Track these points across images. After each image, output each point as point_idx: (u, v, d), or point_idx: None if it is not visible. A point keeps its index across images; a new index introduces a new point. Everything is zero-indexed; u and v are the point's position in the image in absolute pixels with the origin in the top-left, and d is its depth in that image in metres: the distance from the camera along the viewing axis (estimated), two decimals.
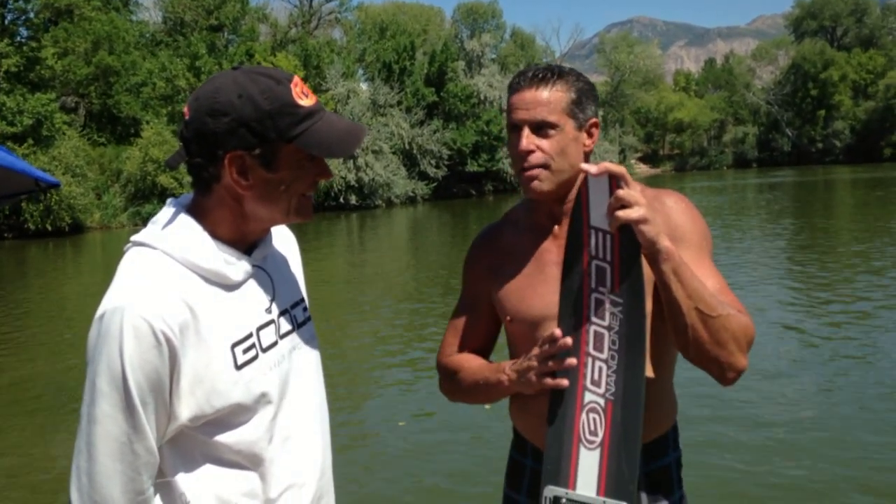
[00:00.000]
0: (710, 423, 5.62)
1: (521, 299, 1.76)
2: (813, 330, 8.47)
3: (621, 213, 1.49)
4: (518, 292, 1.77)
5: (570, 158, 1.67)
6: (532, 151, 1.64)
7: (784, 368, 6.97)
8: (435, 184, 45.03)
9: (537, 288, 1.74)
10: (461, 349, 1.90)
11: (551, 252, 1.75)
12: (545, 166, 1.65)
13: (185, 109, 1.37)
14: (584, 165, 1.54)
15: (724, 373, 1.59)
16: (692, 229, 1.69)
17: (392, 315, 11.24)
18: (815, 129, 73.85)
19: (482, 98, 48.79)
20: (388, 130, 43.11)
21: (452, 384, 1.88)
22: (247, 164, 1.35)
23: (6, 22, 33.82)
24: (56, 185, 4.01)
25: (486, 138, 46.29)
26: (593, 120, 1.71)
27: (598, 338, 1.59)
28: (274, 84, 1.35)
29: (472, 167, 46.54)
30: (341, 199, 39.30)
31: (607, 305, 1.58)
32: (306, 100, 1.37)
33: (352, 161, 38.74)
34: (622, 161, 62.93)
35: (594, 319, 1.59)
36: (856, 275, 11.89)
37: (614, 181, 1.51)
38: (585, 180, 1.57)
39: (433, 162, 45.06)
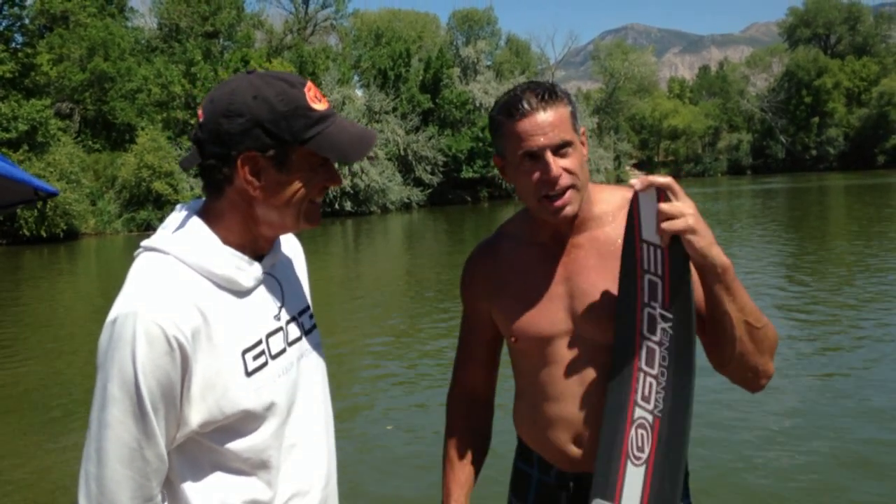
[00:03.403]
0: (713, 430, 5.62)
1: (527, 318, 1.71)
2: (807, 338, 8.49)
3: (666, 225, 1.47)
4: (522, 311, 1.72)
5: (586, 172, 1.65)
6: (560, 175, 1.59)
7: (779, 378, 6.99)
8: (430, 190, 45.09)
9: (545, 306, 1.70)
10: (469, 381, 1.89)
11: (557, 268, 1.71)
12: (573, 186, 1.61)
13: (200, 112, 1.37)
14: (632, 181, 1.53)
15: (758, 381, 1.61)
16: None
17: (385, 321, 11.22)
18: (808, 136, 74.21)
19: (477, 104, 48.89)
20: (384, 137, 43.16)
21: (443, 443, 1.89)
22: (260, 165, 1.35)
23: (1, 28, 33.76)
24: (54, 194, 4.00)
25: (481, 145, 46.35)
26: (583, 129, 1.69)
27: (650, 353, 1.57)
28: (288, 87, 1.36)
29: (467, 174, 46.61)
30: (337, 206, 39.31)
31: (658, 321, 1.56)
32: (319, 104, 1.38)
33: (347, 167, 38.75)
34: (617, 167, 63.07)
35: (646, 334, 1.58)
36: (854, 283, 11.92)
37: (662, 194, 1.49)
38: (636, 195, 1.54)
39: (428, 168, 45.13)
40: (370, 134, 1.44)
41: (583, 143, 1.66)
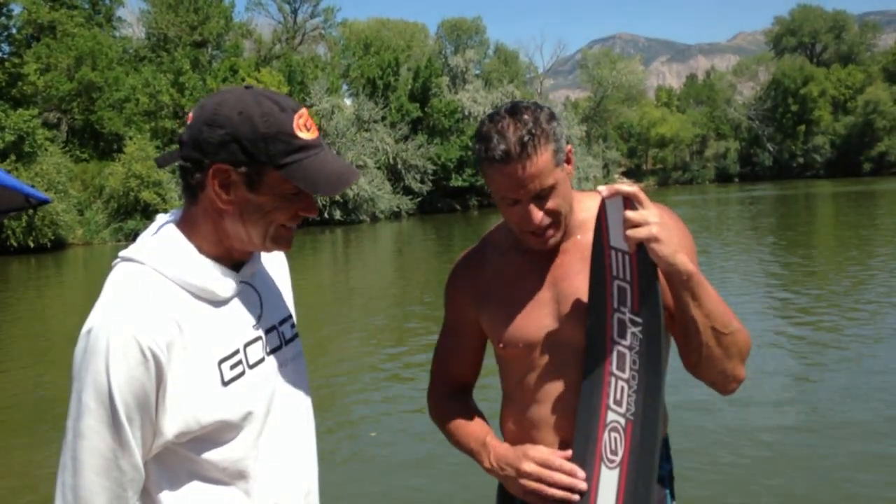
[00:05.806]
0: (699, 434, 5.64)
1: (513, 324, 1.72)
2: (794, 344, 8.53)
3: (630, 233, 1.50)
4: (510, 317, 1.73)
5: (569, 198, 1.66)
6: (541, 219, 1.61)
7: (765, 384, 7.01)
8: (419, 198, 45.12)
9: (530, 311, 1.71)
10: (449, 380, 1.90)
11: (541, 274, 1.73)
12: (556, 223, 1.63)
13: (190, 114, 1.39)
14: (599, 188, 1.55)
15: (727, 384, 1.63)
16: (679, 241, 1.66)
17: (373, 329, 11.21)
18: (795, 144, 74.80)
19: (466, 113, 49.05)
20: (373, 146, 43.20)
21: (441, 427, 1.88)
22: (231, 179, 1.35)
23: None
24: (46, 202, 4.00)
25: (470, 153, 46.37)
26: (569, 148, 1.66)
27: (621, 357, 1.60)
28: (277, 110, 1.35)
29: (456, 182, 46.70)
30: (326, 214, 39.28)
31: (628, 325, 1.59)
32: (307, 133, 1.37)
33: None
34: (605, 176, 63.35)
35: (617, 339, 1.61)
36: (842, 291, 12.00)
37: (628, 201, 1.53)
38: (603, 202, 1.58)
39: (418, 177, 45.18)
40: (351, 172, 1.41)
41: (568, 161, 1.64)
